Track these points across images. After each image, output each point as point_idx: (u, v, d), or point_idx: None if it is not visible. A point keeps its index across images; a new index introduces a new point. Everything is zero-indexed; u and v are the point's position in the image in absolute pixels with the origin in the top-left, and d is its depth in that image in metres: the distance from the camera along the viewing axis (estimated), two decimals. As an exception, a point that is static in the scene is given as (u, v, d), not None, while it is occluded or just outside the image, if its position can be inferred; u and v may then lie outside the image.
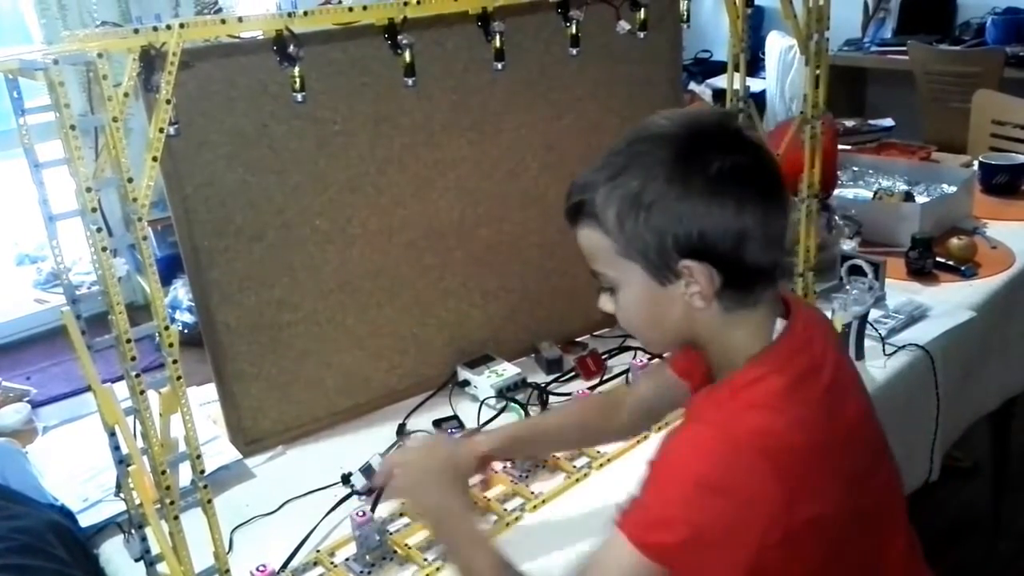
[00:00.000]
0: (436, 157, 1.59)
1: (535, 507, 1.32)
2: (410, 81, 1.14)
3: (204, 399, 1.66)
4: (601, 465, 1.41)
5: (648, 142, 0.87)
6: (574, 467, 1.40)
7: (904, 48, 4.06)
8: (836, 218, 2.08)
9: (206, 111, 1.37)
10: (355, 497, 1.37)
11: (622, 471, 1.40)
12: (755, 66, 4.21)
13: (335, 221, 1.52)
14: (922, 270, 1.97)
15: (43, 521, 1.22)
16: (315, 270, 1.53)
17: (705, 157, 0.84)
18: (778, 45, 3.97)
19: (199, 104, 1.36)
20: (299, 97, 1.06)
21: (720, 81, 4.01)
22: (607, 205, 0.87)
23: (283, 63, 0.96)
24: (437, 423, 1.57)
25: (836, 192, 2.31)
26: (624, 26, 1.44)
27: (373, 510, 1.31)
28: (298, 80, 1.02)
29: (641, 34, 1.36)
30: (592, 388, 1.62)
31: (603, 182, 0.87)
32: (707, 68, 4.32)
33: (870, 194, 2.35)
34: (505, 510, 1.32)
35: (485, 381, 1.61)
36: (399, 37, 1.07)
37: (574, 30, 1.28)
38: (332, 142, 1.48)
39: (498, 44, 1.19)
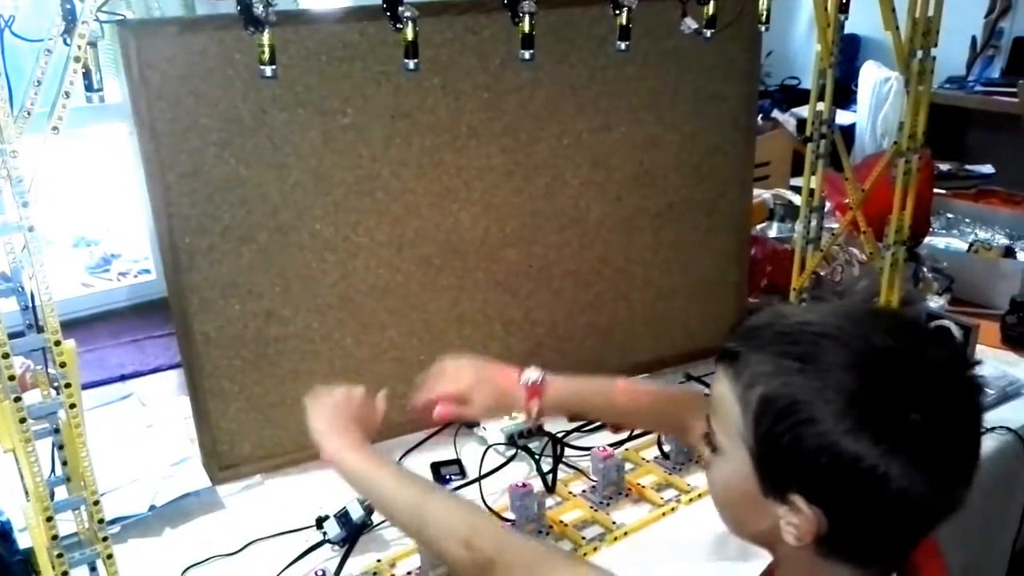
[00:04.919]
0: (461, 164, 1.41)
1: (615, 538, 1.21)
2: (411, 64, 0.95)
3: (188, 413, 1.50)
4: (691, 500, 1.29)
5: (838, 348, 0.68)
6: (661, 499, 1.29)
7: (1014, 89, 3.75)
8: (924, 270, 1.92)
9: (197, 90, 1.21)
10: (327, 546, 1.20)
11: (713, 508, 1.22)
12: (847, 98, 3.94)
13: (338, 227, 1.35)
14: (1021, 338, 1.76)
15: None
16: (312, 281, 1.36)
17: (900, 402, 0.65)
18: (873, 77, 3.70)
19: (189, 82, 1.20)
20: (268, 71, 0.88)
21: (806, 111, 3.76)
22: (757, 381, 0.70)
23: (247, 28, 0.78)
24: (435, 467, 1.38)
25: (927, 240, 2.12)
26: (690, 24, 1.23)
27: (339, 573, 1.13)
28: (267, 50, 0.84)
29: (708, 32, 1.14)
30: (619, 444, 1.40)
31: (771, 352, 0.70)
32: (793, 96, 4.04)
33: (965, 246, 2.17)
34: (583, 538, 1.20)
35: (496, 424, 1.41)
36: (400, 8, 0.87)
37: (624, 20, 1.06)
38: (340, 137, 1.31)
39: (527, 28, 0.99)
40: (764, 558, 1.16)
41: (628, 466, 1.35)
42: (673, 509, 1.26)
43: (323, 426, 1.01)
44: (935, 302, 1.86)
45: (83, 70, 0.81)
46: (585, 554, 1.17)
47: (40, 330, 0.81)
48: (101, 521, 0.82)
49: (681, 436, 1.13)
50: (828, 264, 1.81)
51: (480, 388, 1.09)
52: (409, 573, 1.15)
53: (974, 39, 4.19)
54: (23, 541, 1.11)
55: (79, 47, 0.79)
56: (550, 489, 1.30)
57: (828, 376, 0.66)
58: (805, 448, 0.66)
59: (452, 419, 1.14)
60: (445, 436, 1.47)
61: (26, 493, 0.85)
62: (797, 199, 2.00)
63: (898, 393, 0.65)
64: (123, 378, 1.74)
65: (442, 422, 1.17)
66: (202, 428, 1.36)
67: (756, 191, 1.96)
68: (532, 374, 1.10)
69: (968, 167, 2.79)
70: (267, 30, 0.83)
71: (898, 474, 0.64)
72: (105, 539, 0.83)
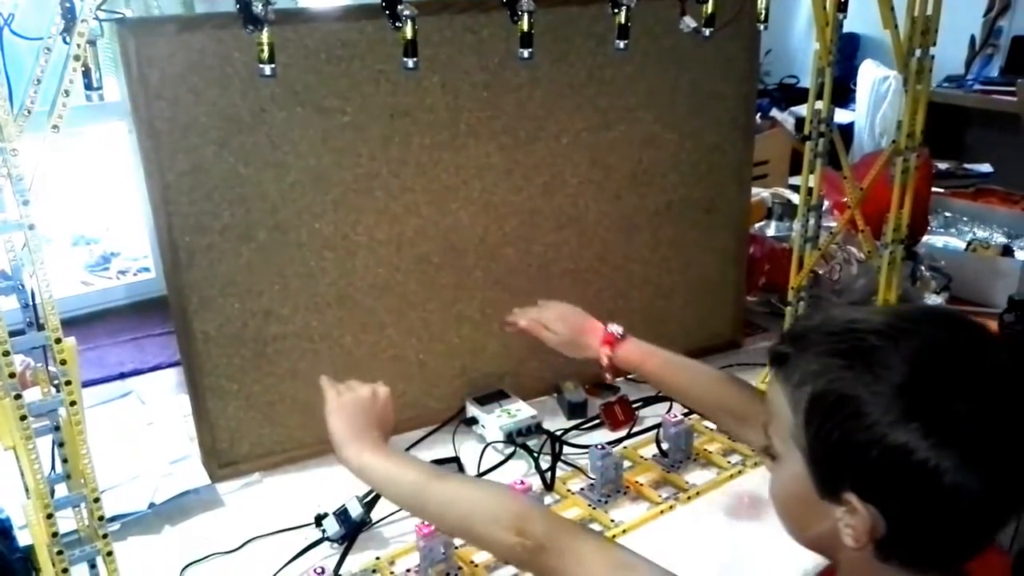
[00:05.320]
0: (460, 162, 1.40)
1: (613, 536, 1.19)
2: (410, 62, 0.95)
3: (187, 411, 1.50)
4: (689, 498, 1.29)
5: (886, 343, 0.68)
6: (659, 497, 1.29)
7: (1012, 88, 3.74)
8: (922, 268, 1.92)
9: (196, 88, 1.21)
10: (326, 543, 1.20)
11: (711, 505, 1.29)
12: (845, 97, 3.93)
13: (337, 226, 1.34)
14: (1019, 336, 1.73)
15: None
16: (311, 279, 1.35)
17: (948, 394, 0.65)
18: (871, 75, 3.69)
19: (188, 80, 1.20)
20: (267, 70, 0.88)
21: (805, 110, 3.75)
22: (807, 381, 0.70)
23: (246, 26, 0.78)
24: (434, 464, 1.38)
25: (924, 239, 2.11)
26: (689, 23, 1.23)
27: (338, 570, 1.13)
28: (266, 49, 0.84)
29: (706, 31, 1.14)
30: (617, 442, 1.40)
31: (819, 352, 0.71)
32: (792, 94, 4.03)
33: (963, 244, 2.16)
34: None
35: (495, 421, 1.41)
36: (399, 7, 0.87)
37: (623, 19, 1.06)
38: (339, 136, 1.30)
39: (526, 26, 0.99)
40: (760, 556, 1.16)
41: (626, 464, 1.35)
42: (671, 507, 1.26)
43: (344, 429, 0.99)
44: (933, 300, 1.86)
45: (82, 69, 0.81)
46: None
47: (40, 328, 0.81)
48: (101, 518, 0.82)
49: (739, 429, 1.11)
50: (826, 263, 1.80)
51: (562, 322, 1.23)
52: (408, 571, 1.14)
53: (973, 38, 4.18)
54: (23, 538, 1.11)
55: (78, 46, 0.79)
56: (548, 487, 1.30)
57: (876, 370, 0.65)
58: (855, 443, 0.65)
59: (532, 334, 1.25)
60: (444, 434, 1.47)
61: (26, 490, 0.85)
62: (795, 198, 1.99)
63: (946, 385, 0.64)
64: (122, 376, 1.74)
65: (524, 334, 1.27)
66: (201, 426, 1.35)
67: (755, 190, 1.96)
68: (615, 327, 1.20)
69: (966, 166, 2.78)
70: (266, 28, 0.83)
71: (950, 468, 0.63)
72: (105, 536, 0.83)
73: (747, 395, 1.10)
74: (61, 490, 0.91)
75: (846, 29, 1.47)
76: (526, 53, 1.03)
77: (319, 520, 1.21)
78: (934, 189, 2.34)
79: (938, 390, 0.64)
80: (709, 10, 1.14)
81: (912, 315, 0.72)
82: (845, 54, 4.01)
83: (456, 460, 1.39)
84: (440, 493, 0.90)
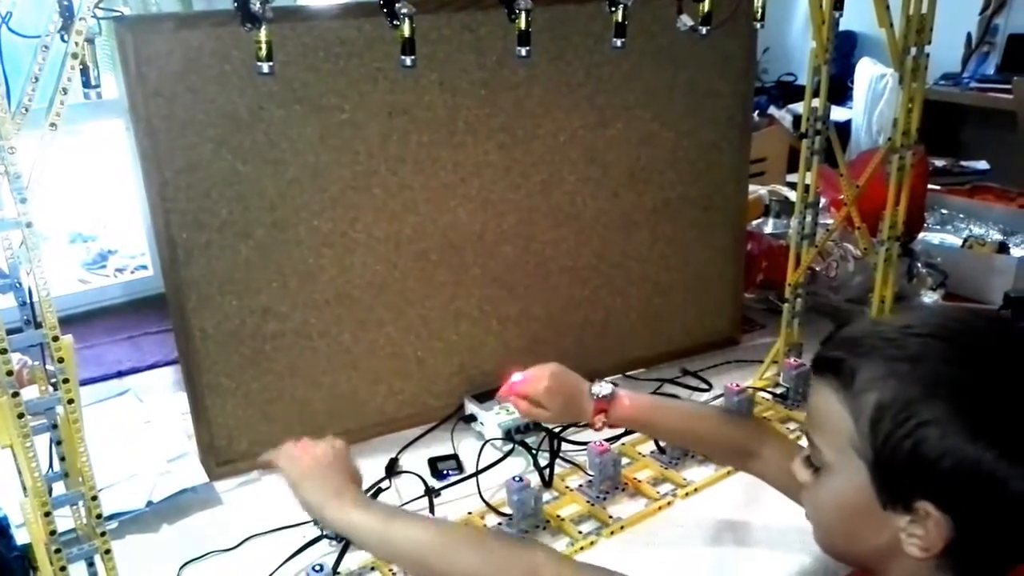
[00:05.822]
0: (458, 160, 1.40)
1: (612, 532, 1.21)
2: (408, 60, 0.95)
3: (185, 409, 1.50)
4: (687, 494, 1.29)
5: (947, 346, 0.67)
6: (658, 493, 1.29)
7: (1008, 86, 3.74)
8: (919, 265, 1.93)
9: (194, 86, 1.20)
10: (325, 541, 1.20)
11: (709, 501, 1.29)
12: (843, 95, 3.93)
13: (335, 223, 1.34)
14: None
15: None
16: (309, 277, 1.35)
17: (1013, 400, 0.65)
18: (868, 73, 3.69)
19: (186, 78, 1.20)
20: (265, 68, 0.88)
21: (802, 107, 3.74)
22: (870, 387, 0.68)
23: (244, 24, 0.78)
24: (433, 462, 1.38)
25: (921, 236, 2.13)
26: (686, 21, 1.23)
27: (336, 568, 1.14)
28: (264, 46, 0.84)
29: (703, 29, 1.14)
30: (615, 439, 1.40)
31: (878, 357, 0.69)
32: (789, 92, 4.04)
33: (959, 241, 2.16)
34: (580, 533, 1.20)
35: (493, 418, 1.41)
36: (397, 5, 0.87)
37: (620, 17, 1.07)
38: (338, 134, 1.30)
39: (523, 24, 0.99)
40: (759, 553, 1.17)
41: (624, 461, 1.35)
42: (669, 503, 1.26)
43: (318, 495, 0.89)
44: (929, 297, 1.86)
45: (80, 66, 0.81)
46: (582, 548, 1.17)
47: (38, 326, 0.81)
48: (99, 516, 0.82)
49: (745, 464, 1.10)
50: (823, 260, 1.81)
51: (553, 395, 1.12)
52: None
53: (969, 36, 4.19)
54: (21, 537, 1.11)
55: (76, 43, 0.79)
56: (547, 484, 1.31)
57: (942, 375, 0.65)
58: (928, 451, 0.64)
59: (526, 415, 1.17)
60: (443, 431, 1.47)
61: (24, 488, 0.85)
62: (793, 195, 1.99)
63: (1011, 391, 0.64)
64: (120, 374, 1.74)
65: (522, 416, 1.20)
66: (199, 424, 1.35)
67: (752, 187, 1.96)
68: (601, 388, 1.11)
69: (963, 163, 2.79)
70: (264, 26, 0.83)
71: (1014, 477, 0.63)
72: (103, 534, 0.83)
73: (752, 430, 1.10)
74: (59, 488, 0.90)
75: (843, 27, 1.48)
76: (524, 51, 1.03)
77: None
78: (930, 186, 2.34)
79: (998, 398, 0.64)
80: (706, 8, 1.14)
81: (966, 317, 0.71)
82: (842, 52, 4.02)
83: (455, 457, 1.39)
84: (442, 547, 0.84)
